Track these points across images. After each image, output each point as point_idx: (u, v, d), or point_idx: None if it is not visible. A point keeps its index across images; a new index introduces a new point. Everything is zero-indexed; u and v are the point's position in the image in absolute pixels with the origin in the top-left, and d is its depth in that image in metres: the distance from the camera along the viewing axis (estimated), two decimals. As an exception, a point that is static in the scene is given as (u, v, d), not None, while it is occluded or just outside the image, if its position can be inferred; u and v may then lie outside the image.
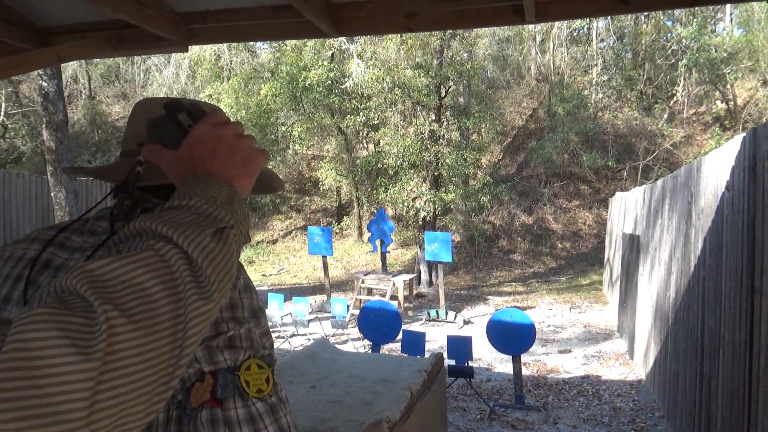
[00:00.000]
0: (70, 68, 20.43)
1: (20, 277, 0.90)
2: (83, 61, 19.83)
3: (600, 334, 8.67)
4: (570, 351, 7.87)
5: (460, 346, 5.50)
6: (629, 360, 7.09)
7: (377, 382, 1.88)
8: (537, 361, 7.35)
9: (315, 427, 1.51)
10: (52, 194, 8.46)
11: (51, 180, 8.39)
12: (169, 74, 18.67)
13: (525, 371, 6.71)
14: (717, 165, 3.60)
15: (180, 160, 0.75)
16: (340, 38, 10.92)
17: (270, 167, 1.30)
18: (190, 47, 3.12)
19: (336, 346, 8.01)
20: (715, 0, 2.31)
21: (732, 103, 17.52)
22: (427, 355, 6.19)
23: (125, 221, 0.97)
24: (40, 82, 8.16)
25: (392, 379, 1.91)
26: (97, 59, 19.02)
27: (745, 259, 2.96)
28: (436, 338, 8.58)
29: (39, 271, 0.90)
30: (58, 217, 8.49)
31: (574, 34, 20.16)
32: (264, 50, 18.80)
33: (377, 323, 5.91)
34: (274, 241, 17.69)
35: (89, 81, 22.25)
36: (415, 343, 5.74)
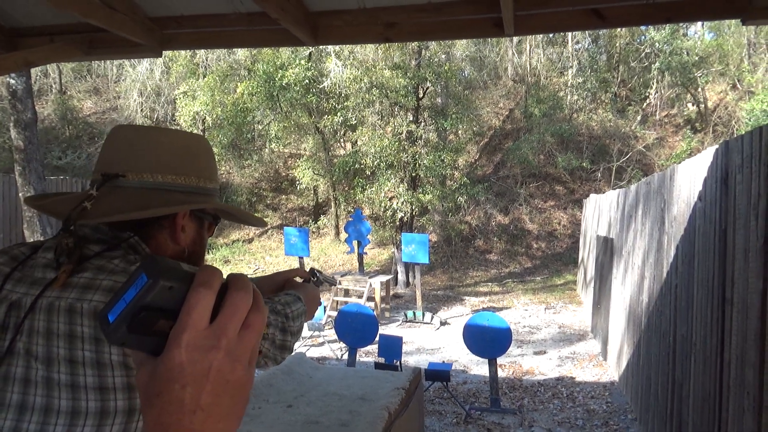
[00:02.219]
0: (39, 62, 19.91)
1: None
2: (53, 55, 19.34)
3: (574, 335, 8.78)
4: (545, 352, 7.95)
5: (390, 346, 5.67)
6: (603, 361, 7.20)
7: (354, 401, 1.86)
8: (513, 362, 7.41)
9: (291, 452, 1.49)
10: (20, 194, 8.24)
11: (19, 180, 8.16)
12: (142, 70, 18.32)
13: (501, 373, 6.76)
14: (690, 174, 3.66)
15: (146, 385, 0.46)
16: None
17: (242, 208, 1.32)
18: (164, 53, 3.05)
19: (310, 351, 7.94)
20: (690, 17, 2.34)
21: (703, 105, 17.91)
22: (403, 358, 6.20)
23: (67, 257, 0.94)
24: (8, 79, 7.93)
25: (370, 396, 1.89)
26: (68, 54, 18.59)
27: (717, 269, 3.02)
28: (413, 340, 8.59)
29: None
30: (26, 218, 8.27)
31: (550, 36, 20.36)
32: (240, 48, 18.57)
33: (354, 327, 5.88)
34: (250, 240, 17.53)
35: (60, 75, 21.72)
36: (391, 347, 5.73)
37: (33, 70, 20.09)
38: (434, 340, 8.67)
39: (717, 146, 3.12)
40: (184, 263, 0.48)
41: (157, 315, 0.44)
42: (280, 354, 1.28)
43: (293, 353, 2.75)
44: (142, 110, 18.57)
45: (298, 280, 1.47)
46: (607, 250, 7.45)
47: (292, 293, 1.35)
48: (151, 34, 2.76)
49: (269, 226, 17.82)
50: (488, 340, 5.57)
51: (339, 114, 13.85)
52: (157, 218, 1.05)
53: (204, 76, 16.18)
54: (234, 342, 0.46)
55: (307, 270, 1.47)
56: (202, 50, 16.60)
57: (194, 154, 1.11)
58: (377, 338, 5.97)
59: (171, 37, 2.82)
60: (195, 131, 16.76)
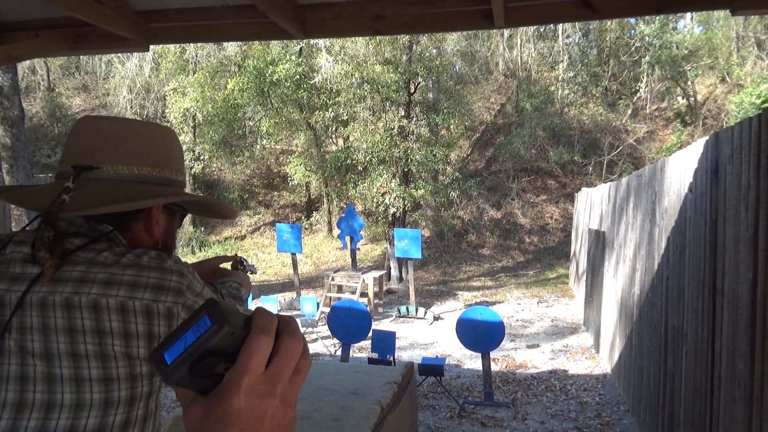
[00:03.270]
0: (27, 60, 19.72)
1: None
2: (41, 52, 19.14)
3: (567, 328, 8.82)
4: (538, 346, 7.98)
5: (384, 341, 5.67)
6: (595, 354, 7.23)
7: (346, 396, 1.85)
8: (506, 356, 7.43)
9: (282, 448, 1.46)
10: (8, 193, 8.15)
11: (7, 178, 8.07)
12: (132, 66, 18.15)
13: (494, 367, 6.78)
14: (680, 166, 3.67)
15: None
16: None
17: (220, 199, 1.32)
18: (151, 47, 3.01)
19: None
20: (681, 8, 2.33)
21: (692, 99, 18.00)
22: (397, 353, 6.19)
23: (47, 252, 0.93)
24: (-6, 76, 7.83)
25: (362, 391, 1.88)
26: (56, 51, 18.39)
27: (707, 260, 3.02)
28: (406, 335, 8.60)
29: None
30: (14, 216, 8.19)
31: (541, 30, 20.39)
32: (231, 44, 18.46)
33: (347, 323, 5.87)
34: (243, 237, 17.47)
35: (48, 73, 21.50)
36: (385, 342, 5.73)
37: (20, 68, 19.87)
38: (428, 335, 8.68)
39: (707, 138, 3.13)
40: (239, 305, 0.50)
41: (218, 359, 0.45)
42: None
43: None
44: (131, 107, 18.42)
45: (226, 266, 1.50)
46: (599, 243, 7.47)
47: (232, 281, 1.37)
48: (138, 28, 2.72)
49: (262, 223, 17.77)
50: (481, 334, 5.57)
51: (330, 110, 13.80)
52: (134, 210, 1.05)
53: (194, 73, 16.06)
54: (287, 387, 0.47)
55: (234, 259, 1.51)
56: (192, 46, 16.48)
57: (167, 146, 1.12)
58: (370, 334, 5.97)
59: (158, 31, 2.79)
60: (186, 128, 16.66)
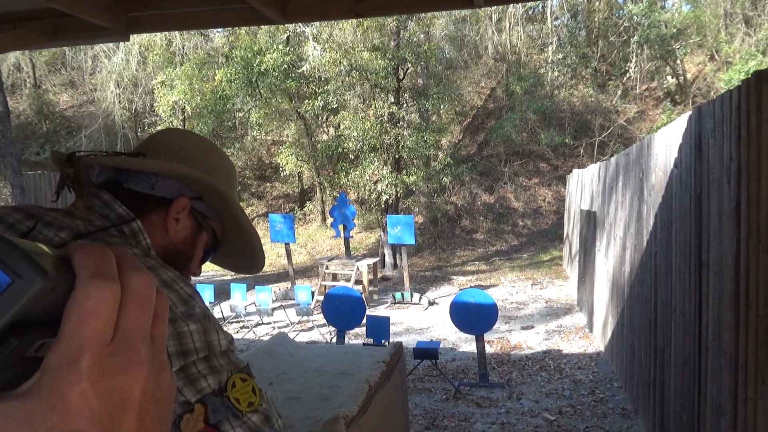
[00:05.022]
0: (12, 56, 19.48)
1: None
2: (25, 48, 18.92)
3: (561, 309, 8.88)
4: (532, 327, 8.04)
5: (378, 326, 5.69)
6: (589, 333, 7.30)
7: (336, 375, 1.87)
8: (501, 338, 7.49)
9: (271, 427, 1.48)
10: (-3, 190, 8.10)
11: (-5, 176, 8.02)
12: (118, 60, 17.97)
13: (489, 349, 6.83)
14: (665, 142, 3.69)
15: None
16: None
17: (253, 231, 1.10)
18: (131, 36, 2.99)
19: (299, 335, 7.95)
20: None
21: (682, 78, 18.01)
22: (392, 339, 6.23)
23: (70, 188, 0.91)
24: (-22, 72, 7.74)
25: (351, 371, 1.90)
26: (41, 46, 18.19)
27: (693, 234, 3.05)
28: (402, 321, 8.65)
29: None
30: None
31: (530, 13, 20.29)
32: (217, 34, 18.31)
33: (341, 310, 5.90)
34: (236, 230, 17.42)
35: (33, 69, 21.26)
36: (379, 327, 5.76)
37: (5, 65, 19.64)
38: (423, 320, 8.73)
39: (690, 113, 3.15)
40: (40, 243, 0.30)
41: (31, 334, 0.28)
42: None
43: (276, 335, 2.75)
44: (120, 102, 18.27)
45: None
46: (591, 223, 7.51)
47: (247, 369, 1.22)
48: (117, 17, 2.70)
49: (256, 215, 17.74)
50: (475, 317, 5.61)
51: (320, 98, 13.74)
52: (155, 198, 0.99)
53: (181, 65, 15.93)
54: (150, 345, 0.32)
55: None
56: (178, 38, 16.33)
57: (219, 158, 1.10)
58: (365, 320, 6.00)
59: (137, 20, 2.77)
60: (175, 121, 16.55)
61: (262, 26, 14.84)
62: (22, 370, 0.28)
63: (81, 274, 0.30)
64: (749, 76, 2.26)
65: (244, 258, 1.17)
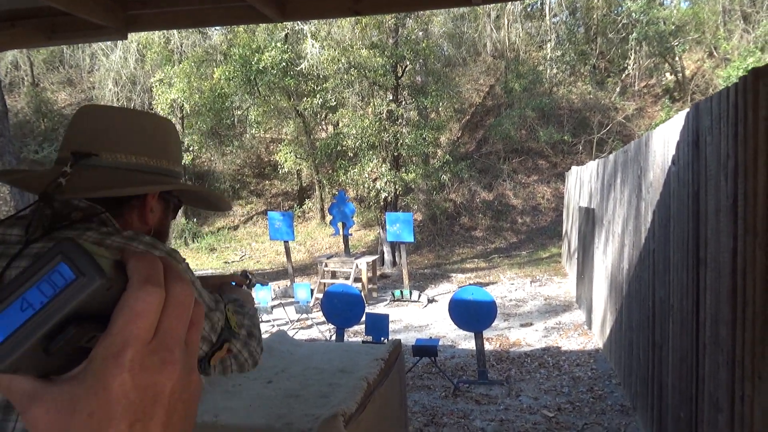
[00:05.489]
0: (10, 54, 19.44)
1: None
2: (23, 46, 18.85)
3: (559, 306, 8.90)
4: (531, 324, 8.06)
5: (377, 324, 5.70)
6: (587, 330, 7.31)
7: (334, 373, 1.88)
8: (500, 335, 7.51)
9: (270, 424, 1.49)
10: (-5, 189, 8.10)
11: (-6, 174, 8.01)
12: (116, 58, 17.93)
13: (488, 346, 6.84)
14: (663, 139, 3.70)
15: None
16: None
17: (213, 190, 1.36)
18: (129, 34, 2.99)
19: (298, 333, 7.96)
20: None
21: (680, 74, 18.01)
22: (391, 336, 6.24)
23: (43, 231, 0.93)
24: (-24, 71, 7.74)
25: (349, 369, 1.91)
26: (39, 45, 18.12)
27: (691, 231, 3.06)
28: (401, 318, 8.66)
29: None
30: (2, 213, 8.14)
31: (528, 10, 20.27)
32: (216, 32, 18.28)
33: (341, 307, 5.91)
34: (236, 227, 17.44)
35: (31, 67, 21.22)
36: (378, 325, 5.77)
37: (2, 63, 19.60)
38: (422, 317, 8.75)
39: (688, 109, 3.15)
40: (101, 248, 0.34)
41: (85, 327, 0.31)
42: (251, 359, 1.26)
43: (275, 333, 2.76)
44: (118, 100, 18.23)
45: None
46: (589, 220, 7.52)
47: (235, 297, 1.34)
48: (114, 15, 2.70)
49: (255, 212, 17.74)
50: (474, 314, 5.62)
51: (318, 96, 13.73)
52: (129, 197, 1.08)
53: (179, 63, 15.90)
54: (184, 349, 0.35)
55: (240, 274, 1.48)
56: (176, 36, 16.30)
57: (165, 136, 1.15)
58: (364, 317, 6.01)
59: (135, 18, 2.77)
60: (174, 119, 16.53)
61: (261, 24, 14.83)
62: (73, 358, 0.32)
63: (133, 278, 0.33)
64: (747, 73, 2.26)
65: (210, 204, 1.34)
